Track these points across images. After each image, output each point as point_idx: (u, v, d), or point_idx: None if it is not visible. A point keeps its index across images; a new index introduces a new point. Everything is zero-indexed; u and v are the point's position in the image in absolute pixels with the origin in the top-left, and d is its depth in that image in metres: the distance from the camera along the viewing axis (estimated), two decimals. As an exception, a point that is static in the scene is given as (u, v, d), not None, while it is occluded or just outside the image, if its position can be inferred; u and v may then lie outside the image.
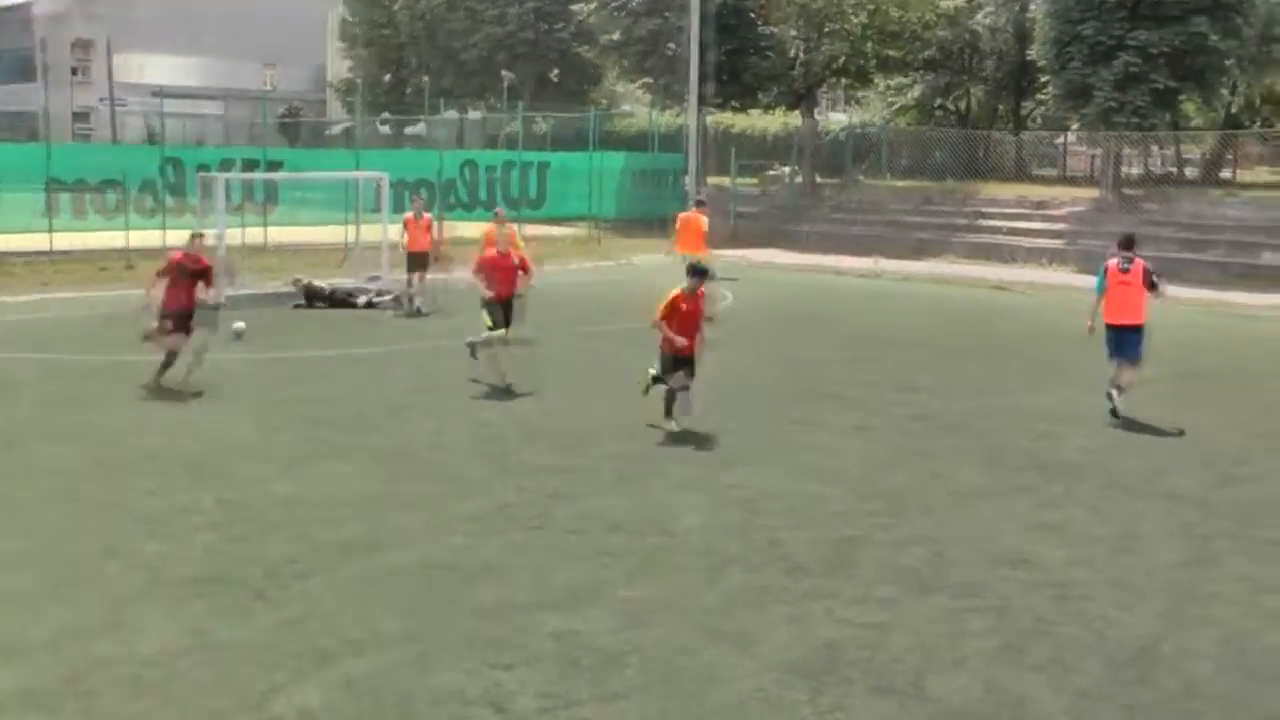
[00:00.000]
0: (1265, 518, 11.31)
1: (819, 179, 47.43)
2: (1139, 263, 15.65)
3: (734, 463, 12.76)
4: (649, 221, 41.54)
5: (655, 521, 10.62)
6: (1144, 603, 9.06)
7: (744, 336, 21.16)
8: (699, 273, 14.15)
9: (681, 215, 26.76)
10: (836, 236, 40.68)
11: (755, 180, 48.76)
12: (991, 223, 39.91)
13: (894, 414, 15.41)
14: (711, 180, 45.24)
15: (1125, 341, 15.58)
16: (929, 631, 8.42)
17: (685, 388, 13.96)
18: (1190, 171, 45.52)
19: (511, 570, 9.32)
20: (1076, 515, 11.21)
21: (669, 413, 13.97)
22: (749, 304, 26.43)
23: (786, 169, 48.61)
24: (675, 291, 13.96)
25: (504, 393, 15.85)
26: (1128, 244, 15.96)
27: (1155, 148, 44.34)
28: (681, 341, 13.78)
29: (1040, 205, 40.26)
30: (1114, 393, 15.49)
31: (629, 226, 41.91)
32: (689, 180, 41.90)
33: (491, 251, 16.83)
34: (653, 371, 14.29)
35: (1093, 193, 40.50)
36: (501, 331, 16.24)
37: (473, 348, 16.64)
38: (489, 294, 16.21)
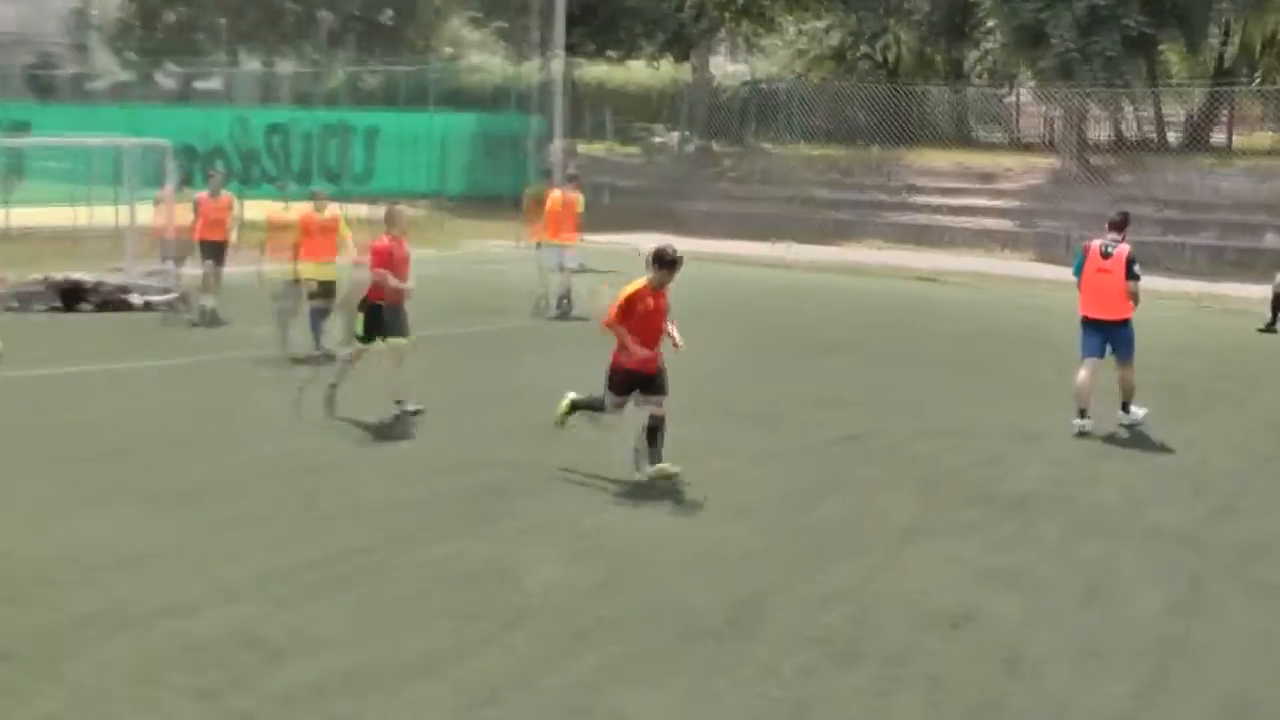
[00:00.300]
0: (1268, 556, 11.53)
1: (714, 145, 47.72)
2: (1123, 248, 15.96)
3: (614, 499, 12.71)
4: (505, 199, 41.40)
5: (513, 574, 10.50)
6: (1120, 666, 9.10)
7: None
8: (669, 262, 13.36)
9: (551, 193, 26.72)
10: (736, 217, 40.96)
11: (635, 148, 48.89)
12: (926, 199, 40.45)
13: (811, 436, 15.48)
14: (581, 148, 45.29)
15: (1114, 338, 16.02)
16: (854, 708, 8.38)
17: (656, 425, 13.29)
18: (1173, 136, 46.19)
19: (332, 640, 9.12)
20: (1036, 559, 11.30)
21: (576, 409, 14.01)
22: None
23: (674, 133, 48.85)
24: (637, 284, 13.32)
25: (323, 415, 15.65)
26: (1118, 224, 16.34)
27: (1128, 106, 45.07)
28: (642, 352, 13.19)
29: (986, 177, 40.89)
30: (1122, 415, 16.11)
31: (480, 206, 41.77)
32: (555, 148, 41.90)
33: (386, 241, 16.00)
34: (572, 396, 13.99)
35: (1051, 161, 41.23)
36: (365, 348, 15.93)
37: (342, 371, 16.23)
38: (407, 290, 15.75)
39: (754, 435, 15.36)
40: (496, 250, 34.64)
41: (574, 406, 13.94)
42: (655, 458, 13.22)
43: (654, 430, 13.24)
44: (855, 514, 12.45)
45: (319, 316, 19.55)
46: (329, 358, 18.61)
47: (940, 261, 34.35)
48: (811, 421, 16.19)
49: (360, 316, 15.91)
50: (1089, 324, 16.19)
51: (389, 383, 15.82)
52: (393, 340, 15.83)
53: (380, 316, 15.74)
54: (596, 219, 30.86)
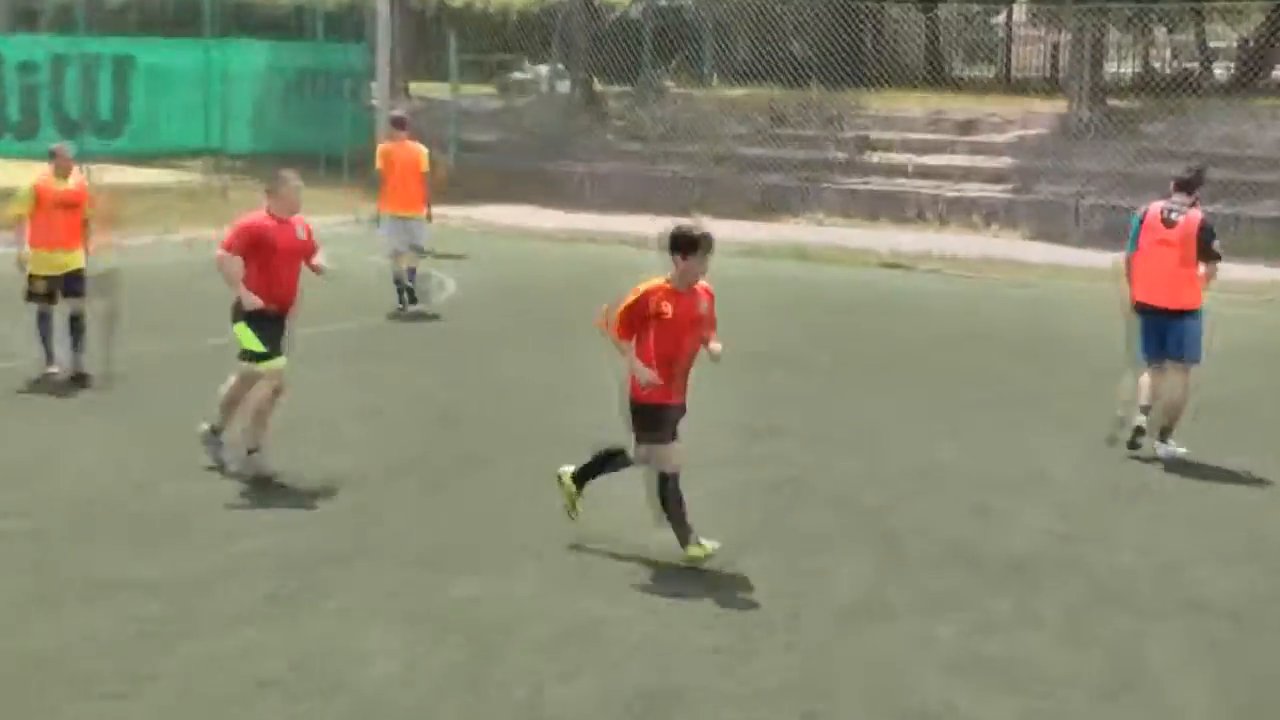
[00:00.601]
0: (1345, 637, 11.66)
1: (599, 86, 47.68)
2: (1193, 216, 16.13)
3: (461, 565, 12.67)
4: (313, 158, 41.20)
5: (334, 669, 10.45)
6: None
7: (477, 351, 21.08)
8: (691, 243, 12.74)
9: (383, 148, 26.55)
10: (631, 182, 40.93)
11: (491, 88, 48.79)
12: (888, 157, 40.61)
13: (731, 478, 15.43)
14: (418, 88, 45.09)
15: (1171, 333, 16.24)
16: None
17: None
18: (1221, 70, 46.26)
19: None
20: (1037, 643, 11.37)
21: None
22: (485, 298, 26.33)
23: (544, 69, 48.78)
24: (651, 283, 12.79)
25: (67, 457, 15.51)
26: (1187, 184, 16.52)
27: (1161, 31, 45.24)
28: (650, 377, 12.56)
29: (968, 127, 41.12)
30: (1158, 445, 16.23)
31: (280, 166, 41.41)
32: (378, 88, 41.65)
33: (260, 216, 15.27)
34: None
35: (1056, 105, 41.46)
36: (280, 362, 15.14)
37: (213, 432, 15.41)
38: (256, 301, 14.83)
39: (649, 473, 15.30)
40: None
41: (685, 538, 12.77)
42: (584, 477, 13.29)
43: (615, 463, 13.13)
44: (790, 583, 12.44)
45: (47, 321, 19.14)
46: (82, 380, 18.49)
47: (906, 240, 34.38)
48: (732, 458, 16.15)
49: (242, 325, 15.05)
50: (1144, 313, 16.42)
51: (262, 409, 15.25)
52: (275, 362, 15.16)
53: (270, 325, 14.98)
54: (441, 185, 30.67)
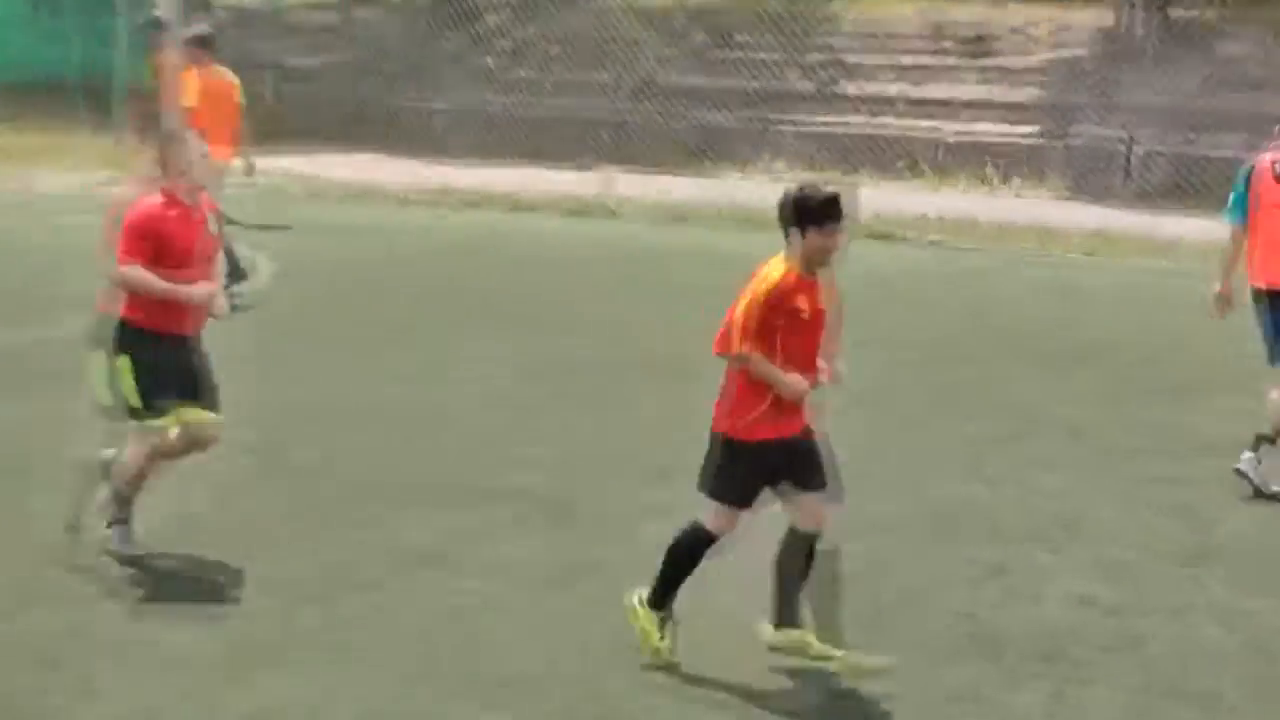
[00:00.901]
0: None
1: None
2: None
3: (278, 657, 12.59)
4: (67, 90, 41.22)
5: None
6: None
7: (302, 361, 21.12)
8: (830, 208, 12.11)
9: (188, 75, 26.41)
10: (515, 123, 41.09)
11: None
12: (869, 86, 40.81)
13: (649, 530, 15.35)
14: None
15: None
16: None
17: (809, 547, 12.54)
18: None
19: None
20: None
21: (664, 604, 12.56)
22: (312, 285, 26.33)
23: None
24: (777, 269, 12.28)
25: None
26: None
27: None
28: (800, 387, 12.14)
29: (980, 46, 41.36)
30: (1245, 457, 16.41)
31: (21, 102, 41.47)
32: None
33: (153, 203, 14.17)
34: (638, 597, 12.64)
35: (1100, 16, 41.72)
36: (172, 419, 14.35)
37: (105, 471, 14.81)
38: (205, 292, 14.34)
39: (541, 527, 15.30)
40: (52, 187, 34.40)
41: (658, 602, 12.50)
42: (791, 615, 12.56)
43: (805, 557, 12.58)
44: (744, 674, 12.35)
45: None
46: None
47: (895, 200, 34.45)
48: (649, 505, 15.94)
49: (123, 363, 14.22)
50: (1265, 299, 16.55)
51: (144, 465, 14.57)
52: (191, 412, 14.41)
53: (170, 361, 14.26)
54: (250, 126, 30.58)
